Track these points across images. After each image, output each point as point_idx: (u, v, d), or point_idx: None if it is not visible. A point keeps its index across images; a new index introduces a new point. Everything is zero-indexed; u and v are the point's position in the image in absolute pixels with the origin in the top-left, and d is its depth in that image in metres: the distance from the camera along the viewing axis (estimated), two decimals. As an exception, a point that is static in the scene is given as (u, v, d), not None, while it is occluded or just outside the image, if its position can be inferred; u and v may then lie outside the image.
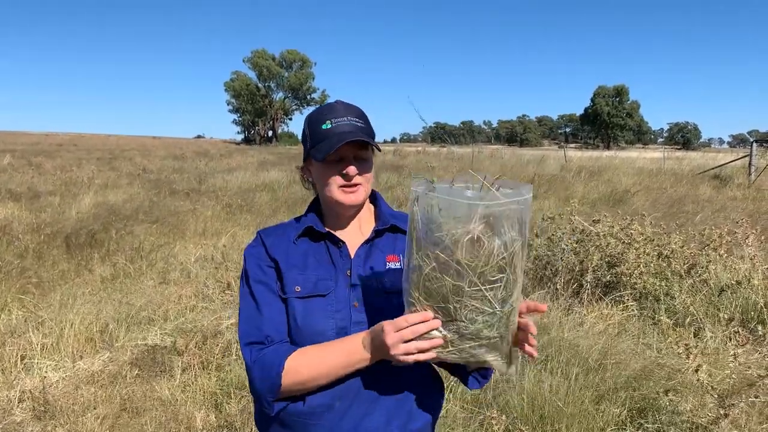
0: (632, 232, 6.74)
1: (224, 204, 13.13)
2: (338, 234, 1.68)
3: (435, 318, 1.39)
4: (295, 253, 1.64)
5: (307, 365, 1.50)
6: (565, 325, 5.41)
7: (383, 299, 1.59)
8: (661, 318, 5.68)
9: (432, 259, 1.33)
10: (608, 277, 6.45)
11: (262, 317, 1.58)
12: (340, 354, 1.51)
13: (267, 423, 1.66)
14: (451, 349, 1.40)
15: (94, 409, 4.15)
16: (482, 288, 1.31)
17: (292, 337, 1.58)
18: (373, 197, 1.79)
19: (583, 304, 6.24)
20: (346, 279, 1.61)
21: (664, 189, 16.45)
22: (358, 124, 1.60)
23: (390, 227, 1.70)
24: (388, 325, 1.42)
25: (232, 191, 15.75)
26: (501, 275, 1.32)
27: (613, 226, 6.95)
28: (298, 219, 1.74)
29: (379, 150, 1.69)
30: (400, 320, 1.41)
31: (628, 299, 6.17)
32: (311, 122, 1.64)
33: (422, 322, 1.39)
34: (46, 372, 4.72)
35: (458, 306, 1.34)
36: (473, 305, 1.34)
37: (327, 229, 1.68)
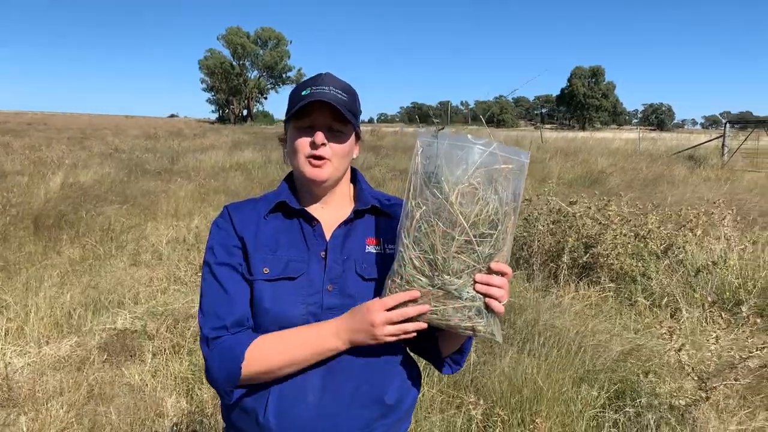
0: (609, 213, 6.75)
1: (197, 184, 12.99)
2: (314, 212, 1.60)
3: (422, 300, 1.37)
4: (265, 230, 1.56)
5: (271, 353, 1.44)
6: (542, 306, 5.40)
7: (360, 285, 1.51)
8: (638, 299, 5.70)
9: (426, 203, 1.34)
10: (585, 258, 6.45)
11: (224, 303, 1.49)
12: (309, 340, 1.44)
13: (229, 413, 1.58)
14: (435, 307, 1.38)
15: (60, 396, 4.01)
16: (472, 239, 1.32)
17: (258, 323, 1.50)
18: (354, 176, 1.72)
19: (559, 284, 6.24)
20: (319, 261, 1.52)
21: (639, 169, 16.62)
22: (340, 96, 1.52)
23: (371, 208, 1.62)
24: (374, 304, 1.40)
25: (205, 171, 15.59)
26: (492, 231, 1.33)
27: (590, 207, 6.94)
28: (270, 193, 1.65)
29: (357, 129, 1.60)
30: (388, 300, 1.38)
31: (604, 280, 6.19)
32: (293, 90, 1.59)
33: (410, 301, 1.38)
34: (10, 358, 4.56)
35: (446, 257, 1.33)
36: (461, 258, 1.34)
37: (301, 206, 1.59)
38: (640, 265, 6.20)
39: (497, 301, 1.37)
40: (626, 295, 5.89)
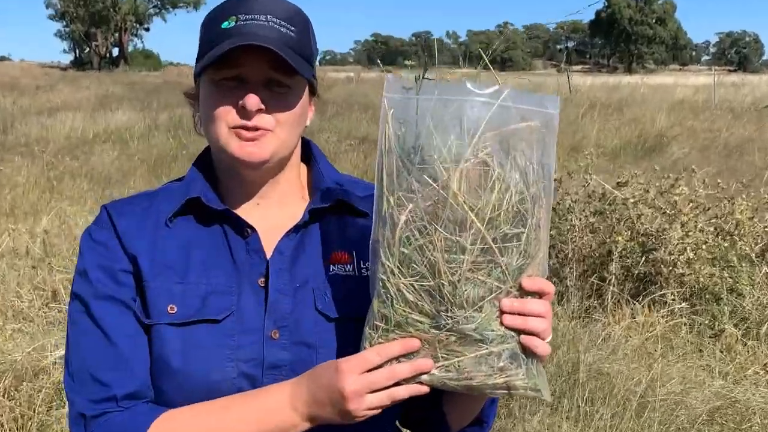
0: (676, 197, 6.76)
1: (45, 165, 12.86)
2: (246, 214, 1.54)
3: (424, 351, 1.30)
4: (168, 245, 1.50)
5: None
6: (581, 341, 5.45)
7: (323, 329, 1.47)
8: (725, 327, 5.72)
9: (412, 198, 1.26)
10: (642, 267, 6.49)
11: (110, 362, 1.42)
12: (251, 413, 1.38)
13: None
14: (446, 360, 1.32)
15: None
16: (492, 246, 1.25)
17: (160, 391, 1.45)
18: (308, 154, 1.69)
19: (606, 307, 6.26)
20: (257, 293, 1.48)
21: (716, 131, 16.88)
22: (284, 30, 1.46)
23: (335, 204, 1.57)
24: (347, 363, 1.31)
25: (57, 144, 15.49)
26: (519, 230, 1.27)
27: (647, 190, 6.96)
28: (174, 184, 1.61)
29: (312, 80, 1.54)
30: (370, 356, 1.31)
31: (673, 299, 6.20)
32: (208, 19, 1.52)
33: (405, 354, 1.30)
34: None
35: (455, 280, 1.26)
36: (477, 279, 1.27)
37: (225, 206, 1.53)
38: (725, 275, 6.24)
39: (539, 337, 1.32)
40: (707, 322, 5.92)
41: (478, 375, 1.31)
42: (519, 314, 1.30)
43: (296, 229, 1.53)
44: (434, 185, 1.24)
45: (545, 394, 1.37)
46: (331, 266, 1.52)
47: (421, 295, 1.28)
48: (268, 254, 1.51)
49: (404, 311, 1.30)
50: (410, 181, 1.26)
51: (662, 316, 5.98)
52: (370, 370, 1.30)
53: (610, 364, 5.05)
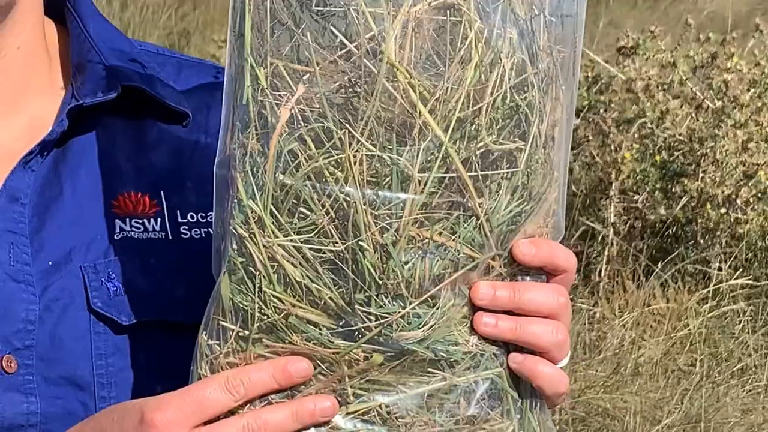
0: (725, 77, 6.25)
1: None
2: None
3: (319, 383, 1.21)
4: None
5: None
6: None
7: (109, 349, 1.38)
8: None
9: (306, 80, 1.15)
10: (664, 210, 5.99)
11: None
12: None
13: None
14: (362, 404, 1.20)
15: None
16: (465, 175, 1.14)
17: None
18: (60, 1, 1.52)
19: (596, 285, 5.97)
20: None
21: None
22: None
23: (124, 95, 1.43)
24: (162, 408, 1.16)
25: None
26: (514, 144, 1.17)
27: (673, 63, 6.47)
28: None
29: None
30: (211, 388, 1.18)
31: (721, 269, 5.78)
32: None
33: (281, 389, 1.20)
34: None
35: (387, 242, 1.14)
36: (430, 240, 1.15)
37: None
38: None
39: (545, 358, 1.19)
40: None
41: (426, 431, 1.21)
42: (508, 312, 1.20)
43: (43, 148, 1.42)
44: (350, 47, 1.11)
45: None
46: (119, 222, 1.45)
47: (317, 270, 1.17)
48: None
49: (283, 302, 1.18)
50: (301, 38, 1.15)
51: (701, 300, 5.47)
52: (210, 421, 1.17)
53: (612, 392, 4.61)
